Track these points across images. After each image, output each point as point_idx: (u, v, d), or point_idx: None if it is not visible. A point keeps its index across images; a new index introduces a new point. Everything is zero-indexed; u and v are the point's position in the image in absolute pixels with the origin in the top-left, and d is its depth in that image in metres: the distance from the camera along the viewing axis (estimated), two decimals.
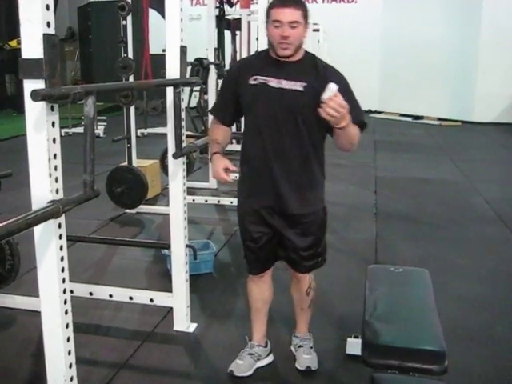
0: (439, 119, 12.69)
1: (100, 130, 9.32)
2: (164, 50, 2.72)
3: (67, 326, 1.81)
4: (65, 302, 1.79)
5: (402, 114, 13.53)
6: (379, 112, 14.35)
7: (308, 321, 2.68)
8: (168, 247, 3.09)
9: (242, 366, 2.52)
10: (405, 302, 2.24)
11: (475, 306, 3.28)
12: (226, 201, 5.36)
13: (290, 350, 2.74)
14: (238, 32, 8.66)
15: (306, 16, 2.12)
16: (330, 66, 2.26)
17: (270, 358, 2.62)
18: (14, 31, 10.87)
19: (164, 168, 5.73)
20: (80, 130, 8.90)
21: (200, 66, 5.80)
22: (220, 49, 6.82)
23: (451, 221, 5.05)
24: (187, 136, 2.86)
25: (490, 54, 11.74)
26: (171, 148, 2.72)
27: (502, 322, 3.09)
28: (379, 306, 2.16)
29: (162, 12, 3.30)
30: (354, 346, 2.61)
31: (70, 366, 1.84)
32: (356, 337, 2.65)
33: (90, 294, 3.04)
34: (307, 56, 2.24)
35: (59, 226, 1.73)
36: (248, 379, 2.51)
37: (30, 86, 1.58)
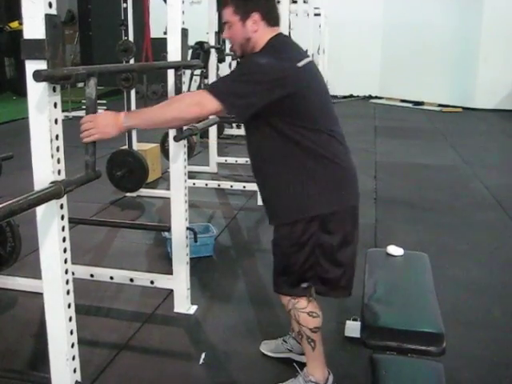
0: (440, 105, 12.67)
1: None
2: (165, 33, 2.71)
3: (69, 306, 1.82)
4: (67, 283, 1.80)
5: (402, 100, 13.50)
6: (380, 97, 14.33)
7: (306, 355, 2.25)
8: (168, 230, 3.11)
9: (270, 345, 2.51)
10: (404, 285, 2.26)
11: (474, 290, 3.30)
12: (226, 185, 5.37)
13: (287, 332, 2.77)
14: None
15: (238, 10, 1.95)
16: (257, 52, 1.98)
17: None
18: (13, 12, 10.80)
19: (164, 152, 5.73)
20: (80, 113, 8.88)
21: (201, 50, 5.78)
22: (221, 32, 6.78)
23: (451, 206, 5.06)
24: None
25: (492, 40, 11.68)
26: (172, 131, 2.72)
27: (501, 306, 3.11)
28: (378, 289, 2.18)
29: None
30: (352, 329, 2.63)
31: (72, 345, 1.86)
32: (355, 319, 2.68)
33: (91, 275, 3.06)
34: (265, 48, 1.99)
35: (61, 206, 1.74)
36: (250, 360, 2.53)
37: (31, 66, 1.58)
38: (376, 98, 14.44)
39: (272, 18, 2.01)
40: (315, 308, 2.13)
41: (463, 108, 12.30)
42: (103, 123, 1.80)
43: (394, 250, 2.46)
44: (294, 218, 1.98)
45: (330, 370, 2.26)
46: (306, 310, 2.10)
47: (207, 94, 1.84)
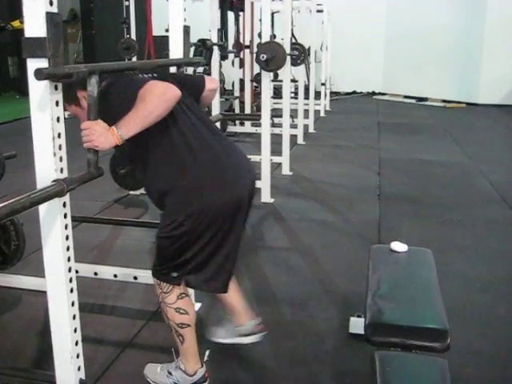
0: (444, 101, 12.64)
1: None
2: (167, 31, 2.71)
3: (73, 304, 1.83)
4: (70, 281, 1.81)
5: (406, 96, 13.48)
6: (383, 94, 14.31)
7: (178, 347, 2.29)
8: None
9: (220, 332, 2.56)
10: (408, 281, 2.26)
11: (478, 286, 3.29)
12: None
13: (291, 329, 2.77)
14: (241, 13, 8.60)
15: (67, 101, 1.99)
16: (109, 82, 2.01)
17: (252, 339, 2.50)
18: (15, 11, 10.80)
19: None
20: None
21: (203, 47, 5.78)
22: (223, 30, 6.78)
23: (455, 202, 5.05)
24: None
25: (496, 35, 11.64)
26: None
27: (505, 302, 3.10)
28: (382, 286, 2.17)
29: None
30: (356, 325, 2.63)
31: (76, 343, 1.86)
32: (359, 316, 2.67)
33: (95, 274, 3.06)
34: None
35: (64, 204, 1.74)
36: (254, 357, 2.54)
37: (33, 64, 1.58)
38: (379, 94, 14.42)
39: None
40: (184, 305, 2.16)
41: (467, 104, 12.27)
42: (99, 132, 1.78)
43: (398, 246, 2.45)
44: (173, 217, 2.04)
45: (332, 367, 2.26)
46: (173, 306, 2.15)
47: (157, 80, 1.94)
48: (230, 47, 8.25)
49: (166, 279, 2.12)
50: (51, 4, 1.58)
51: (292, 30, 6.87)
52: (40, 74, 1.54)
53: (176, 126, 2.03)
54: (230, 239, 2.12)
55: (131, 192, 5.13)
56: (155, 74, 2.24)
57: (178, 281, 2.12)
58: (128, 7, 5.11)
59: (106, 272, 3.09)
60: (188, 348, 2.25)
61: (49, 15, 1.57)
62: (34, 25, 1.57)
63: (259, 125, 5.32)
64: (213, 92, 2.43)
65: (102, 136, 1.79)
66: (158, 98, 1.84)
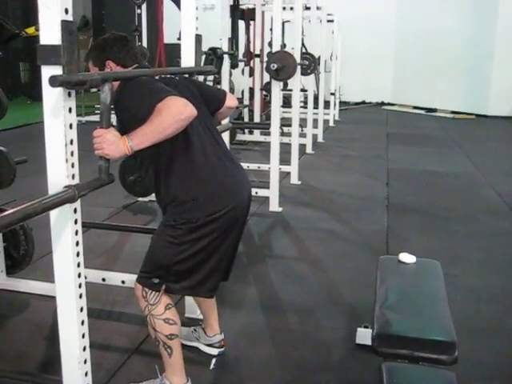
0: (453, 112, 12.62)
1: (113, 118, 9.33)
2: (179, 39, 2.73)
3: (81, 310, 1.83)
4: (79, 286, 1.81)
5: (415, 107, 13.48)
6: (392, 104, 14.31)
7: (164, 361, 2.24)
8: None
9: (182, 331, 2.56)
10: (416, 292, 2.25)
11: (486, 298, 3.28)
12: None
13: (298, 338, 2.77)
14: (251, 22, 8.65)
15: (95, 61, 2.20)
16: (129, 84, 2.03)
17: (211, 350, 2.59)
18: (29, 18, 10.92)
19: None
20: (93, 118, 8.95)
21: (214, 56, 5.80)
22: (234, 39, 6.81)
23: (463, 213, 5.03)
24: None
25: (506, 46, 11.63)
26: None
27: None
28: (390, 297, 2.17)
29: (176, 2, 3.32)
30: (363, 336, 2.62)
31: (84, 348, 1.87)
32: (366, 327, 2.66)
33: (103, 280, 3.07)
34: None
35: (75, 210, 1.75)
36: (260, 366, 2.53)
37: (47, 72, 1.60)
38: (388, 104, 14.42)
39: (126, 61, 2.21)
40: (173, 315, 2.17)
41: (476, 115, 12.25)
42: (110, 141, 1.81)
43: (406, 257, 2.45)
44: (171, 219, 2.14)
45: (339, 377, 2.25)
46: (162, 317, 2.14)
47: (177, 97, 1.89)
48: (241, 56, 8.29)
49: (148, 284, 2.14)
50: (66, 12, 1.60)
51: (302, 39, 6.88)
52: (54, 81, 1.56)
53: (187, 139, 2.06)
54: (221, 251, 2.17)
55: (140, 198, 5.15)
56: (177, 77, 2.27)
57: (158, 287, 2.13)
58: (140, 15, 5.16)
59: (114, 278, 3.09)
60: (176, 360, 2.22)
61: (64, 23, 1.58)
62: (49, 32, 1.59)
63: (268, 133, 5.34)
64: (230, 110, 2.48)
65: (113, 145, 1.81)
66: (173, 117, 1.85)
